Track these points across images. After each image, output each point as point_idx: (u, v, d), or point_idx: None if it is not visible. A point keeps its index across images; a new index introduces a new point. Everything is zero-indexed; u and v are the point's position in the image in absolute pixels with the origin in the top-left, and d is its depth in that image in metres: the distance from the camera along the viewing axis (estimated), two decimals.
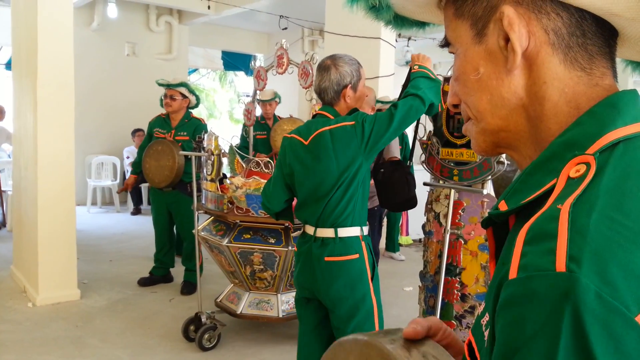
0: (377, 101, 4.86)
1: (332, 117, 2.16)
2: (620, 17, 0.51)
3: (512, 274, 0.42)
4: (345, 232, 2.13)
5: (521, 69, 0.54)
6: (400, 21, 0.69)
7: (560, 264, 0.39)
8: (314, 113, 2.30)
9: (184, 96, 4.26)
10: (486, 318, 0.49)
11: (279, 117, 5.12)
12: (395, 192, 2.57)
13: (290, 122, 4.60)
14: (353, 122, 2.10)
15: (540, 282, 0.40)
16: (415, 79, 2.23)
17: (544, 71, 0.53)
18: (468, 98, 0.58)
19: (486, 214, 2.48)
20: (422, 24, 0.71)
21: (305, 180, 2.17)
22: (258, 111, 4.75)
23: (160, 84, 4.25)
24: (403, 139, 5.32)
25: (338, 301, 2.13)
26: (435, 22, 0.69)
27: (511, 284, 0.42)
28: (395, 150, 3.61)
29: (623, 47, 0.58)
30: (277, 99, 5.04)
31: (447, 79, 2.61)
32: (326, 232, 2.14)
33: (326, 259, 2.12)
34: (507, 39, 0.53)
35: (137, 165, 4.53)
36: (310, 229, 2.19)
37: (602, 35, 0.53)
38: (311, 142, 2.15)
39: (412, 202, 2.61)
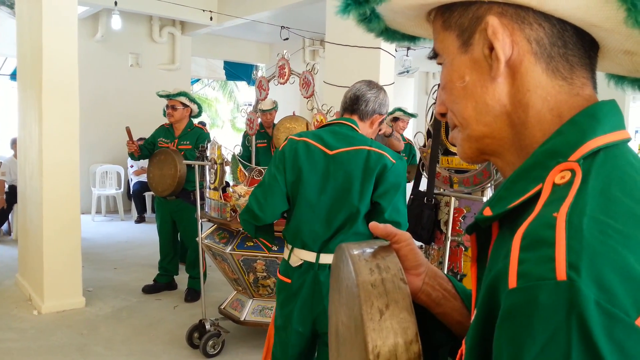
0: (398, 109, 4.93)
1: (359, 131, 2.01)
2: (599, 28, 0.53)
3: (512, 282, 0.42)
4: None
5: (505, 77, 0.55)
6: (391, 33, 0.71)
7: (561, 272, 0.40)
8: (333, 120, 2.10)
9: (185, 105, 4.32)
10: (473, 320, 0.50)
11: (276, 124, 5.20)
12: (413, 224, 2.62)
13: (293, 120, 4.63)
14: (394, 162, 1.95)
15: (543, 292, 0.40)
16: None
17: (527, 79, 0.54)
18: (454, 106, 0.60)
19: None
20: (411, 37, 0.73)
21: (320, 195, 1.92)
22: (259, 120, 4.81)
23: (160, 95, 4.32)
24: (410, 150, 5.36)
25: None
26: (425, 36, 0.71)
27: (513, 293, 0.42)
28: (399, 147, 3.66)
29: (604, 60, 0.59)
30: (276, 108, 5.14)
31: None
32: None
33: None
34: (492, 48, 0.55)
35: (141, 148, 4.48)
36: (308, 255, 1.93)
37: (583, 46, 0.55)
38: (340, 154, 1.93)
39: (419, 236, 2.64)
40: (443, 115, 0.64)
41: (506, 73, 0.55)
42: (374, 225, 0.72)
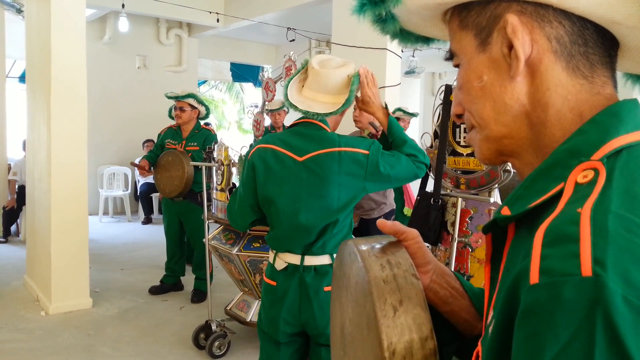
0: (399, 109, 4.92)
1: (327, 129, 1.91)
2: (621, 25, 0.52)
3: (534, 278, 0.41)
4: None
5: (524, 76, 0.54)
6: (406, 35, 0.70)
7: (586, 268, 0.39)
8: (301, 118, 1.95)
9: (193, 107, 4.32)
10: (493, 323, 0.49)
11: (286, 126, 5.19)
12: (420, 225, 2.61)
13: None
14: (367, 152, 1.84)
15: (567, 288, 0.39)
16: (405, 138, 2.01)
17: (547, 78, 0.54)
18: (472, 106, 0.59)
19: None
20: (426, 39, 0.72)
21: (294, 204, 1.85)
22: (267, 121, 4.81)
23: (169, 97, 4.33)
24: None
25: None
26: (440, 38, 0.70)
27: (535, 289, 0.41)
28: None
29: (624, 59, 0.58)
30: (285, 108, 5.12)
31: (453, 89, 2.64)
32: (320, 260, 1.88)
33: (326, 289, 1.88)
34: (511, 47, 0.54)
35: (150, 156, 4.51)
36: (292, 258, 1.90)
37: (603, 44, 0.54)
38: (310, 160, 1.84)
39: (426, 237, 2.62)
40: (459, 116, 0.63)
41: (525, 72, 0.54)
42: (381, 222, 0.71)
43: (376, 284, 0.60)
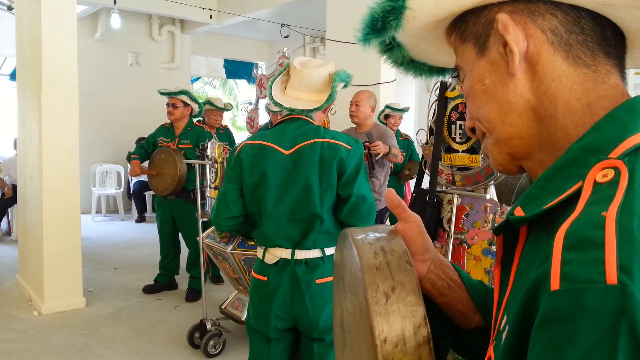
0: (387, 106, 4.90)
1: (313, 122, 1.97)
2: (614, 6, 0.51)
3: (554, 284, 0.40)
4: (333, 249, 1.90)
5: (524, 72, 0.54)
6: (418, 66, 0.70)
7: (611, 276, 0.38)
8: (287, 115, 2.01)
9: (186, 104, 4.29)
10: (507, 330, 0.47)
11: None
12: None
13: None
14: (350, 147, 1.90)
15: (591, 296, 0.37)
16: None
17: (549, 70, 0.53)
18: (479, 112, 0.59)
19: (489, 219, 2.49)
20: (441, 70, 0.71)
21: (282, 196, 1.90)
22: (262, 119, 4.77)
23: (161, 93, 4.30)
24: (409, 146, 5.34)
25: (330, 329, 1.92)
26: (451, 65, 0.69)
27: (555, 295, 0.39)
28: (393, 142, 3.63)
29: (634, 50, 0.57)
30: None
31: (448, 85, 2.63)
32: (310, 253, 1.91)
33: (317, 281, 1.90)
34: (506, 45, 0.54)
35: (139, 152, 4.46)
36: (283, 253, 1.92)
37: (602, 33, 0.53)
38: (296, 152, 1.89)
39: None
40: (474, 131, 0.62)
41: (525, 68, 0.54)
42: (390, 192, 0.70)
43: (369, 271, 0.59)
